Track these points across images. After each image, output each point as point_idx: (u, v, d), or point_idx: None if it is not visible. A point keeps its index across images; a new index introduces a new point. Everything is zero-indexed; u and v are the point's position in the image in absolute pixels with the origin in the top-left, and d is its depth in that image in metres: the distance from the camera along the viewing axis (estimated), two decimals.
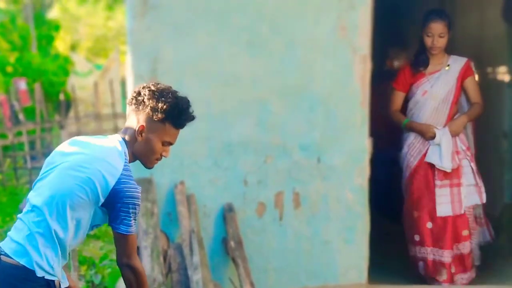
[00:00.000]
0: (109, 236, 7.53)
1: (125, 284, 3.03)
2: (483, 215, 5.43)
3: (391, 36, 7.60)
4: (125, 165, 2.98)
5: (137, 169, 5.10)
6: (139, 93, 3.04)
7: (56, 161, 3.02)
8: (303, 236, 5.25)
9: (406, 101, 5.53)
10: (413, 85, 5.43)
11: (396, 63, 7.39)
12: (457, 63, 5.40)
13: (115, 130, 13.11)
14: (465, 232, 5.24)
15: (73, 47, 28.12)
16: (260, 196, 5.22)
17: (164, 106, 2.98)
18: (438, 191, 5.27)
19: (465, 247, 5.25)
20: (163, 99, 2.99)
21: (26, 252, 2.92)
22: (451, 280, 5.24)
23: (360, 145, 5.20)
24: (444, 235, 5.22)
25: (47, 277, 2.94)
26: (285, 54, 5.15)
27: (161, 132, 3.03)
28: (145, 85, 3.07)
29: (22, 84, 15.01)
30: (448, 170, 5.24)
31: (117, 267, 3.09)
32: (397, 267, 5.66)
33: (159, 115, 2.99)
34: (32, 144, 12.44)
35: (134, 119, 3.05)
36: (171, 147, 3.15)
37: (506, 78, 6.56)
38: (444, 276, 5.23)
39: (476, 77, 5.57)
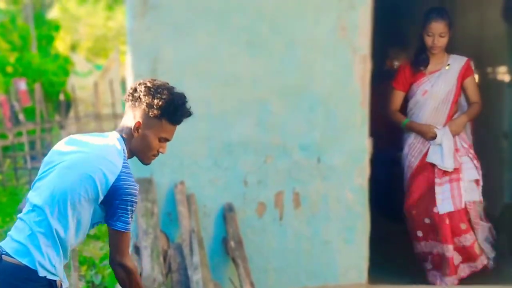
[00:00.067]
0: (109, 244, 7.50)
1: (119, 283, 3.05)
2: (484, 215, 5.42)
3: (391, 36, 7.60)
4: (124, 163, 2.99)
5: (137, 169, 5.11)
6: (135, 90, 3.04)
7: (55, 160, 3.02)
8: (303, 236, 5.25)
9: (406, 100, 5.52)
10: (413, 85, 5.43)
11: (396, 63, 7.39)
12: (457, 62, 5.40)
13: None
14: (463, 226, 5.22)
15: (73, 47, 28.12)
16: (260, 196, 5.22)
17: (160, 102, 2.98)
18: (438, 189, 5.27)
19: (466, 239, 5.24)
20: (158, 95, 2.99)
21: (28, 251, 2.92)
22: (455, 272, 5.24)
23: (360, 145, 5.20)
24: (442, 230, 5.22)
25: (49, 277, 2.94)
26: (285, 54, 5.15)
27: (158, 128, 3.03)
28: (141, 81, 3.07)
29: (22, 84, 15.01)
30: (450, 170, 5.24)
31: None
32: (397, 267, 5.65)
33: (155, 112, 2.99)
34: (32, 144, 12.44)
35: (131, 116, 3.05)
36: (170, 145, 3.15)
37: (506, 78, 6.56)
38: (447, 270, 5.22)
39: (476, 76, 5.57)
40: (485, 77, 6.65)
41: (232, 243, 4.98)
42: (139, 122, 3.02)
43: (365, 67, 5.16)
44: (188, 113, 3.07)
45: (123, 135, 3.06)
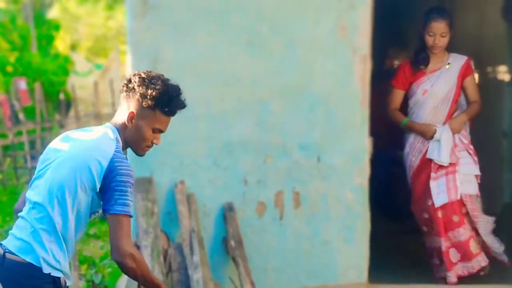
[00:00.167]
0: (109, 235, 7.52)
1: (128, 274, 2.97)
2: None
3: (391, 35, 7.61)
4: (117, 147, 2.99)
5: (138, 168, 5.13)
6: (130, 81, 3.06)
7: (51, 158, 3.04)
8: (303, 236, 5.25)
9: (406, 99, 5.52)
10: (413, 84, 5.42)
11: (396, 63, 7.39)
12: (457, 61, 5.39)
13: None
14: (455, 218, 5.22)
15: (73, 47, 28.12)
16: (260, 195, 5.23)
17: (154, 93, 2.99)
18: (433, 183, 5.26)
19: (460, 234, 5.23)
20: (152, 86, 3.00)
21: (32, 248, 2.93)
22: (451, 268, 5.22)
23: (360, 144, 5.20)
24: (435, 223, 5.23)
25: (54, 273, 2.95)
26: (285, 54, 5.15)
27: (151, 119, 3.04)
28: (136, 72, 3.09)
29: (22, 84, 15.02)
30: (445, 164, 5.24)
31: (117, 266, 3.06)
32: (397, 266, 5.66)
33: (149, 102, 3.00)
34: (32, 144, 12.44)
35: (125, 106, 3.06)
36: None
37: (506, 77, 6.57)
38: (476, 248, 5.22)
39: (476, 76, 5.57)
40: (485, 77, 6.65)
41: (232, 243, 4.98)
42: (132, 112, 3.03)
43: (365, 67, 5.16)
44: (182, 105, 3.08)
45: (117, 126, 3.07)
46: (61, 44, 23.81)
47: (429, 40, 5.28)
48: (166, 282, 4.70)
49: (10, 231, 3.05)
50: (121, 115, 3.07)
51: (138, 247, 4.83)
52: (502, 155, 6.51)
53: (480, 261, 5.26)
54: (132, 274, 2.95)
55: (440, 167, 5.28)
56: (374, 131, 5.33)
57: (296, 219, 5.24)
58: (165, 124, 3.09)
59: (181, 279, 4.73)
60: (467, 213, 5.28)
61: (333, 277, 5.27)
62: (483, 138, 6.05)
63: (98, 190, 2.95)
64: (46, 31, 19.42)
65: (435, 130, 5.29)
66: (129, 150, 3.17)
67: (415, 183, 5.45)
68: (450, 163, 5.26)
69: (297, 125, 5.18)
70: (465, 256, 5.25)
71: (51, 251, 2.94)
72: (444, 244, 5.24)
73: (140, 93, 3.00)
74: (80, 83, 18.96)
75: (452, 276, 5.24)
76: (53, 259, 2.94)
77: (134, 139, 3.07)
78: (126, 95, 3.05)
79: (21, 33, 17.82)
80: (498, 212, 6.14)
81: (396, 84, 5.49)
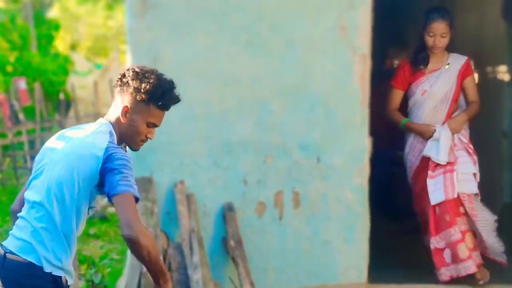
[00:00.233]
0: (108, 235, 7.54)
1: (140, 253, 2.80)
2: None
3: (391, 35, 7.60)
4: (111, 139, 2.98)
5: (137, 169, 5.13)
6: (124, 75, 3.06)
7: (47, 157, 3.04)
8: (302, 236, 5.25)
9: (406, 99, 5.51)
10: (412, 84, 5.40)
11: (396, 63, 7.39)
12: (457, 61, 5.37)
13: None
14: (447, 217, 5.17)
15: (73, 47, 28.13)
16: (260, 195, 5.22)
17: (147, 87, 2.99)
18: (430, 181, 5.23)
19: (451, 234, 5.19)
20: (146, 80, 3.01)
21: (33, 248, 2.93)
22: (441, 266, 5.20)
23: (360, 144, 5.20)
24: (429, 222, 5.22)
25: (55, 272, 2.94)
26: (284, 54, 5.15)
27: (145, 113, 3.04)
28: (130, 67, 3.10)
29: (22, 84, 15.02)
30: (443, 163, 5.22)
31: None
32: (397, 266, 5.65)
33: (143, 96, 3.00)
34: (31, 144, 12.45)
35: (119, 101, 3.07)
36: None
37: (505, 77, 6.56)
38: (465, 253, 5.17)
39: (476, 76, 5.56)
40: (485, 77, 6.65)
41: (232, 243, 4.98)
42: (126, 106, 3.03)
43: (365, 66, 5.16)
44: (176, 99, 3.08)
45: (112, 121, 3.08)
46: (61, 44, 23.82)
47: (429, 40, 5.26)
48: None
49: (10, 232, 3.05)
50: (115, 110, 3.08)
51: None
52: (502, 155, 6.51)
53: (467, 267, 5.16)
54: (144, 252, 2.79)
55: (438, 165, 5.25)
56: (374, 131, 5.32)
57: (296, 219, 5.24)
58: (159, 118, 3.09)
59: (181, 279, 4.73)
60: (466, 213, 5.26)
61: (333, 277, 5.27)
62: (483, 138, 6.05)
63: (97, 183, 2.94)
64: (46, 30, 19.42)
65: (434, 130, 5.28)
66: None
67: (415, 184, 5.44)
68: (448, 162, 5.24)
69: (297, 125, 5.17)
70: (453, 258, 5.21)
71: (52, 249, 2.94)
72: (433, 243, 5.22)
73: (134, 87, 3.01)
74: (80, 83, 18.97)
75: (442, 274, 5.22)
76: (54, 257, 2.94)
77: (128, 133, 3.07)
78: (120, 89, 3.06)
79: (21, 33, 17.83)
80: (498, 212, 6.14)
81: (395, 84, 5.47)
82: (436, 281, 5.31)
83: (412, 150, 5.42)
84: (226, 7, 5.13)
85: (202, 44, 5.14)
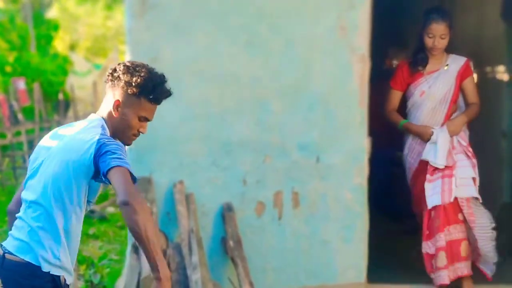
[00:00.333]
0: (108, 235, 7.54)
1: (134, 223, 2.71)
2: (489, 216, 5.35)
3: (391, 35, 7.60)
4: (103, 132, 2.98)
5: (137, 169, 5.12)
6: (114, 70, 3.07)
7: (41, 156, 3.05)
8: (302, 236, 5.25)
9: (405, 100, 5.49)
10: (411, 85, 5.36)
11: (395, 63, 7.38)
12: (456, 62, 5.33)
13: None
14: (436, 222, 5.11)
15: (72, 47, 28.14)
16: (259, 195, 5.22)
17: (138, 80, 3.00)
18: (428, 185, 5.20)
19: (436, 241, 5.14)
20: (137, 73, 3.02)
21: (30, 248, 2.93)
22: (430, 270, 5.19)
23: (359, 144, 5.20)
24: (435, 222, 5.19)
25: (53, 272, 2.95)
26: (284, 54, 5.15)
27: (137, 107, 3.04)
28: (120, 62, 3.11)
29: (21, 84, 15.03)
30: (441, 167, 5.18)
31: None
32: (396, 266, 5.65)
33: (134, 89, 3.01)
34: (31, 144, 12.43)
35: (110, 95, 3.07)
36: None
37: (505, 77, 6.56)
38: (443, 261, 5.14)
39: (475, 76, 5.54)
40: (484, 77, 6.65)
41: (231, 243, 4.98)
42: (118, 100, 3.04)
43: (364, 66, 5.16)
44: (167, 93, 3.08)
45: (104, 116, 3.08)
46: (60, 44, 23.82)
47: (429, 41, 5.21)
48: None
49: (9, 232, 3.06)
50: (107, 105, 3.08)
51: (137, 247, 4.82)
52: (501, 155, 6.51)
53: (440, 277, 5.14)
54: (140, 223, 2.70)
55: (436, 169, 5.20)
56: (374, 131, 5.32)
57: (295, 219, 5.24)
58: (150, 112, 3.09)
59: (180, 279, 4.73)
60: (465, 220, 5.20)
61: (332, 277, 5.27)
62: (482, 138, 6.05)
63: (92, 174, 2.93)
64: (45, 31, 19.43)
65: (432, 132, 5.25)
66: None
67: (414, 186, 5.40)
68: (446, 166, 5.18)
69: (296, 125, 5.17)
70: (450, 263, 5.19)
71: (50, 248, 2.94)
72: (425, 247, 5.20)
73: (125, 80, 3.02)
74: (79, 83, 18.97)
75: (436, 277, 5.19)
76: (53, 256, 2.94)
77: (120, 127, 3.07)
78: (111, 84, 3.07)
79: (20, 33, 17.83)
80: (497, 211, 6.15)
81: (393, 85, 5.44)
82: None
83: (411, 152, 5.39)
84: (225, 7, 5.13)
85: (202, 44, 5.14)
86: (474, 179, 5.25)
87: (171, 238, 5.12)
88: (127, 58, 5.35)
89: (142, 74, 3.02)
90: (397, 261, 5.76)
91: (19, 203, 3.09)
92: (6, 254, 2.95)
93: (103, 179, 2.88)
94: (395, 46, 7.51)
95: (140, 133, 3.11)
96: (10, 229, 3.09)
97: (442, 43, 5.21)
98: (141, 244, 2.74)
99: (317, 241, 5.25)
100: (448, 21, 5.18)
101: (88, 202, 3.06)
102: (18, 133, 12.23)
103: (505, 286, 5.33)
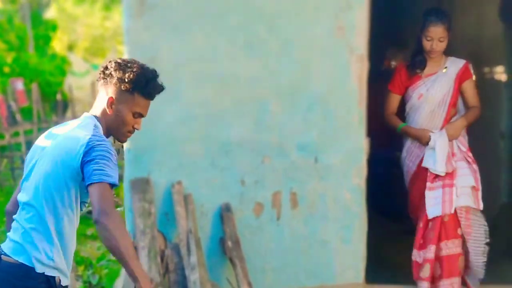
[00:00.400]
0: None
1: (107, 238, 2.74)
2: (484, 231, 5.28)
3: (389, 35, 7.60)
4: (95, 131, 2.97)
5: (135, 169, 5.13)
6: (106, 67, 3.08)
7: (36, 155, 3.05)
8: (300, 236, 5.25)
9: (404, 103, 5.45)
10: (409, 88, 5.29)
11: (393, 63, 7.38)
12: (454, 65, 5.26)
13: None
14: (431, 234, 5.06)
15: (70, 47, 28.13)
16: (258, 196, 5.22)
17: (131, 76, 3.01)
18: (428, 193, 5.14)
19: (425, 252, 5.10)
20: (129, 69, 3.02)
21: (24, 249, 2.94)
22: (432, 280, 5.16)
23: (357, 144, 5.20)
24: (430, 234, 5.15)
25: (48, 272, 2.95)
26: (282, 54, 5.14)
27: (131, 103, 3.04)
28: (112, 59, 3.12)
29: (19, 84, 15.03)
30: (442, 174, 5.11)
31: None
32: (394, 267, 5.65)
33: (127, 85, 3.01)
34: (29, 144, 12.42)
35: (103, 93, 3.08)
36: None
37: (503, 77, 6.57)
38: (426, 273, 5.12)
39: (474, 77, 5.47)
40: (483, 77, 6.65)
41: (229, 243, 4.98)
42: (112, 97, 3.04)
43: (362, 66, 5.15)
44: (160, 88, 3.08)
45: (97, 114, 3.08)
46: (58, 45, 23.82)
47: (427, 44, 5.14)
48: (163, 283, 4.69)
49: (7, 233, 3.07)
50: (100, 103, 3.09)
51: (135, 248, 4.82)
52: (499, 156, 6.51)
53: (424, 287, 5.11)
54: (113, 241, 2.73)
55: (437, 177, 5.14)
56: (373, 131, 5.31)
57: (294, 219, 5.23)
58: (144, 107, 3.09)
59: (178, 280, 4.73)
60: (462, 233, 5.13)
61: (331, 277, 5.27)
62: (481, 138, 6.04)
63: (82, 177, 2.92)
64: (43, 31, 19.42)
65: (430, 135, 5.18)
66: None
67: (412, 190, 5.32)
68: (447, 173, 5.11)
69: (295, 125, 5.17)
70: (449, 273, 5.14)
71: (43, 249, 2.94)
72: (415, 255, 5.16)
73: (117, 77, 3.02)
74: (77, 84, 18.96)
75: (419, 286, 5.14)
76: (46, 257, 2.94)
77: (114, 124, 3.07)
78: (104, 81, 3.07)
79: (18, 34, 17.83)
80: (495, 212, 6.15)
81: (392, 89, 5.39)
82: None
83: (409, 155, 5.35)
84: (223, 8, 5.13)
85: (200, 45, 5.13)
86: (474, 187, 5.15)
87: (169, 238, 5.12)
88: None
89: (134, 70, 3.02)
90: (396, 261, 5.75)
91: (16, 204, 3.09)
92: (2, 256, 2.96)
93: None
94: (394, 46, 7.51)
95: (135, 130, 3.11)
96: (8, 230, 3.10)
97: (441, 46, 5.15)
98: (117, 258, 2.79)
99: (316, 242, 5.25)
100: (446, 23, 5.10)
101: (83, 203, 3.06)
102: (16, 134, 12.23)
103: (505, 286, 5.32)
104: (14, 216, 3.07)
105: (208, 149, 5.17)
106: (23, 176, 3.07)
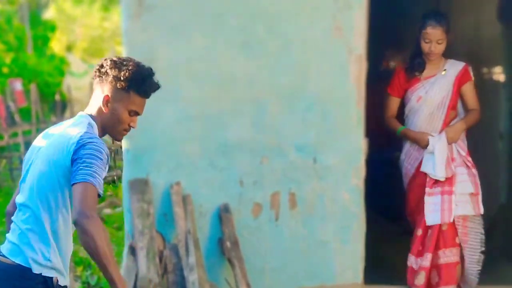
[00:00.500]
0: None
1: (86, 243, 2.71)
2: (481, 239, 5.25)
3: (388, 36, 7.60)
4: (88, 129, 2.97)
5: (133, 170, 5.12)
6: (102, 65, 3.07)
7: (32, 156, 3.06)
8: (299, 237, 5.25)
9: (403, 105, 5.44)
10: (408, 91, 5.28)
11: (392, 63, 7.38)
12: (454, 67, 5.24)
13: None
14: (428, 243, 5.08)
15: (69, 48, 28.12)
16: (256, 196, 5.22)
17: (127, 74, 3.00)
18: (427, 199, 5.13)
19: (422, 260, 5.12)
20: (125, 67, 3.02)
21: (20, 250, 2.95)
22: (428, 287, 5.14)
23: (356, 145, 5.19)
24: (427, 242, 5.13)
25: (45, 273, 2.95)
26: (280, 55, 5.14)
27: (126, 101, 3.04)
28: (107, 58, 3.11)
29: (18, 85, 15.02)
30: (442, 180, 5.11)
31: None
32: (393, 267, 5.65)
33: (123, 83, 3.01)
34: (28, 145, 12.41)
35: (99, 91, 3.07)
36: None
37: (501, 78, 6.56)
38: (421, 281, 5.12)
39: (473, 79, 5.45)
40: (481, 78, 6.64)
41: (228, 244, 4.97)
42: (107, 95, 3.04)
43: (361, 67, 5.15)
44: (155, 86, 3.08)
45: (92, 112, 3.08)
46: (57, 45, 23.81)
47: (425, 47, 5.12)
48: (162, 284, 4.69)
49: (7, 234, 3.08)
50: (96, 101, 3.08)
51: (134, 248, 4.82)
52: (498, 156, 6.51)
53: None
54: (91, 244, 2.71)
55: (436, 182, 5.13)
56: (371, 131, 5.31)
57: (292, 219, 5.23)
58: (140, 106, 3.08)
59: (177, 280, 4.72)
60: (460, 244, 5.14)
61: (330, 277, 5.27)
62: (479, 139, 6.04)
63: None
64: (42, 32, 19.42)
65: (428, 139, 5.15)
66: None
67: (410, 193, 5.32)
68: (446, 179, 5.10)
69: (293, 126, 5.17)
70: (447, 281, 5.15)
71: (40, 250, 2.94)
72: (411, 261, 5.18)
73: (113, 75, 3.02)
74: (75, 84, 18.95)
75: None
76: (43, 258, 2.94)
77: (110, 123, 3.07)
78: (99, 80, 3.07)
79: (16, 34, 17.82)
80: (494, 212, 6.15)
81: (391, 92, 5.37)
82: None
83: (408, 158, 5.33)
84: (222, 8, 5.12)
85: (198, 45, 5.13)
86: (473, 194, 5.14)
87: (168, 239, 5.12)
88: None
89: (130, 68, 3.01)
90: (394, 262, 5.75)
91: (16, 205, 3.10)
92: (0, 257, 2.97)
93: None
94: (393, 47, 7.51)
95: (131, 128, 3.11)
96: (8, 231, 3.10)
97: (439, 48, 5.13)
98: (95, 261, 2.76)
99: (314, 242, 5.25)
100: (445, 26, 5.08)
101: None
102: (15, 134, 12.22)
103: (505, 287, 5.32)
104: (12, 218, 3.07)
105: (207, 150, 5.17)
106: (22, 177, 3.08)
